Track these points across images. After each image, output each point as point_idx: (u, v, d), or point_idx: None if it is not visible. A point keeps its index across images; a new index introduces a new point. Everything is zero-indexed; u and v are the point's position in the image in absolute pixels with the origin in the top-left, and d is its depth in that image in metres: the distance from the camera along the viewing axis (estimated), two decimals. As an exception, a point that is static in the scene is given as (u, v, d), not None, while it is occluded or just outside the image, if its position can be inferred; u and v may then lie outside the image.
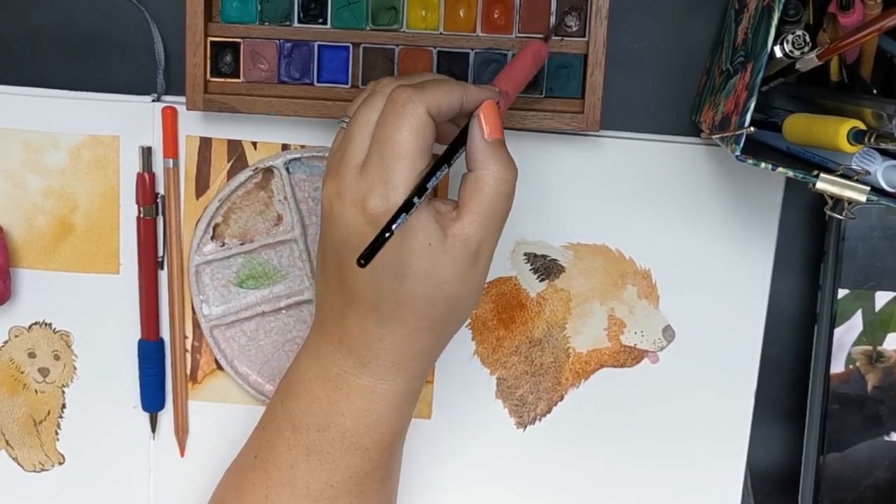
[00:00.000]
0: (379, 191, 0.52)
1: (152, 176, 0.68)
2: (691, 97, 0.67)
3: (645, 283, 0.69)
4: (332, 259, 0.56)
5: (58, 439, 0.72)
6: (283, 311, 0.70)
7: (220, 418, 0.71)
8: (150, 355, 0.70)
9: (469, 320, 0.69)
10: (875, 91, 0.59)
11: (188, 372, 0.71)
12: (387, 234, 0.49)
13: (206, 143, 0.68)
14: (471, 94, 0.54)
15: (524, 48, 0.60)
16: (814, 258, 0.68)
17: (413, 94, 0.52)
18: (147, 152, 0.68)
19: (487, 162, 0.54)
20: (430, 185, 0.51)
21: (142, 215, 0.68)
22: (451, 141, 0.55)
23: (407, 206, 0.50)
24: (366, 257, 0.48)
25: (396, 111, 0.52)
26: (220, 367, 0.70)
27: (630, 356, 0.70)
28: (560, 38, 0.64)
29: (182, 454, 0.71)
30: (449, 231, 0.53)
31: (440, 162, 0.53)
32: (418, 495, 0.72)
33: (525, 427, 0.71)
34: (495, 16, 0.64)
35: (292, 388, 0.59)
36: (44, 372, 0.71)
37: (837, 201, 0.53)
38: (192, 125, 0.68)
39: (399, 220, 0.49)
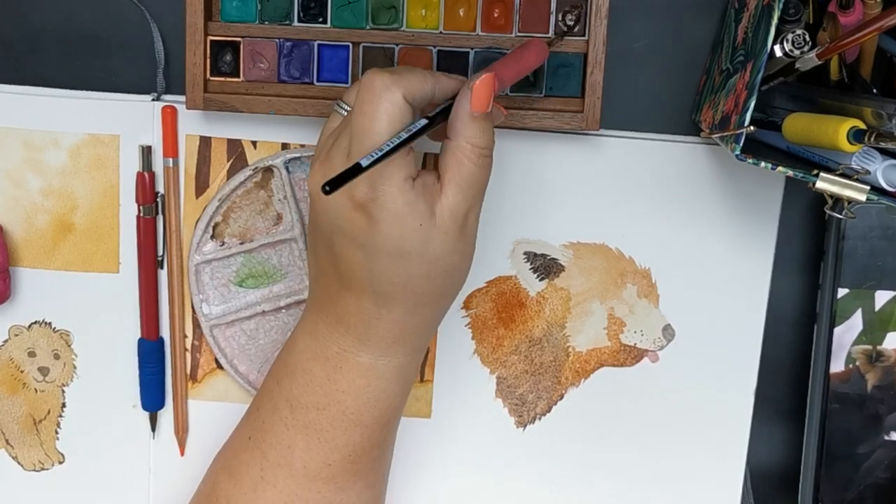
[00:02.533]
0: (363, 179, 0.52)
1: (152, 175, 0.68)
2: (691, 96, 0.67)
3: (645, 282, 0.69)
4: (323, 244, 0.56)
5: (58, 438, 0.72)
6: (283, 311, 0.70)
7: (220, 417, 0.71)
8: (150, 354, 0.70)
9: (469, 319, 0.70)
10: (875, 90, 0.59)
11: (188, 371, 0.71)
12: (357, 169, 0.49)
13: (205, 143, 0.68)
14: (442, 83, 0.55)
15: (529, 43, 0.60)
16: (814, 257, 0.68)
17: (389, 79, 0.52)
18: (147, 151, 0.68)
19: (467, 131, 0.54)
20: (404, 138, 0.51)
21: (142, 214, 0.68)
22: (438, 110, 0.55)
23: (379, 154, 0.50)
24: (331, 184, 0.47)
25: (372, 98, 0.52)
26: (219, 367, 0.70)
27: (630, 355, 0.70)
28: (560, 37, 0.64)
29: (182, 453, 0.71)
30: (436, 207, 0.54)
31: (425, 123, 0.53)
32: (418, 494, 0.72)
33: (525, 426, 0.71)
34: (495, 15, 0.64)
35: (289, 368, 0.59)
36: (44, 371, 0.71)
37: (837, 200, 0.53)
38: (192, 124, 0.68)
39: (374, 157, 0.49)
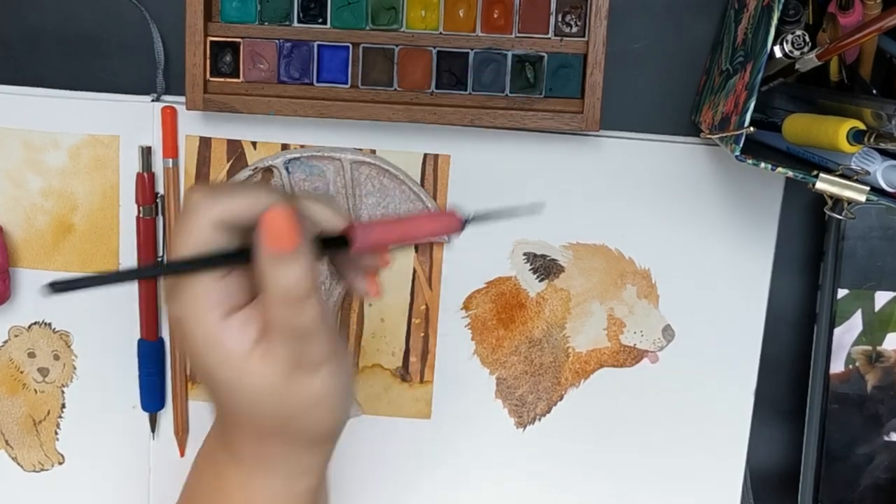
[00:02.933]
0: (175, 296, 0.47)
1: (152, 176, 0.68)
2: (691, 97, 0.67)
3: (644, 282, 0.69)
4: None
5: (57, 439, 0.72)
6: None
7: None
8: (150, 355, 0.70)
9: (469, 320, 0.69)
10: (874, 91, 0.59)
11: (188, 372, 0.70)
12: (91, 281, 0.45)
13: (205, 143, 0.68)
14: (262, 202, 0.47)
15: (441, 214, 0.51)
16: (813, 258, 0.68)
17: (202, 199, 0.46)
18: (147, 152, 0.68)
19: (268, 275, 0.46)
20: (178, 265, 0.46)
21: (141, 215, 0.68)
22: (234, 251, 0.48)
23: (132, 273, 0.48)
24: (55, 286, 0.44)
25: (184, 216, 0.47)
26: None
27: (629, 356, 0.70)
28: (560, 37, 0.64)
29: (182, 454, 0.71)
30: (256, 348, 0.47)
31: (209, 262, 0.47)
32: (418, 495, 0.72)
33: (525, 427, 0.71)
34: (495, 16, 0.64)
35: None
36: (43, 372, 0.71)
37: (837, 201, 0.53)
38: (192, 125, 0.68)
39: (117, 275, 0.47)
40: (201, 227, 0.46)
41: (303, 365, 0.48)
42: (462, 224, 0.49)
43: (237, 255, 0.47)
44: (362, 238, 0.47)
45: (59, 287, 0.44)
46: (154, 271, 0.46)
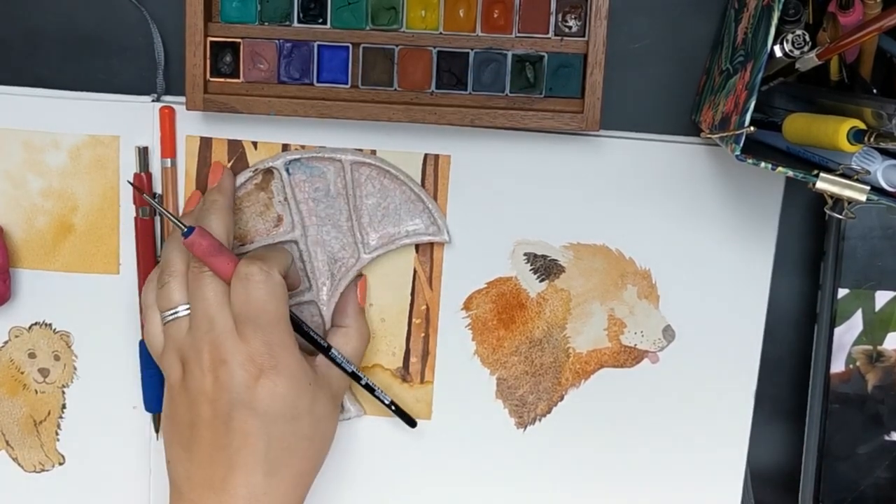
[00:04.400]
0: (265, 351, 0.59)
1: (149, 176, 0.68)
2: (691, 97, 0.67)
3: (645, 283, 0.69)
4: (206, 430, 0.59)
5: (58, 440, 0.72)
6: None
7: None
8: (151, 356, 0.70)
9: (469, 321, 0.69)
10: (875, 90, 0.59)
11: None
12: None
13: (206, 144, 0.68)
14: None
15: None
16: (814, 258, 0.68)
17: (264, 265, 0.60)
18: (143, 152, 0.68)
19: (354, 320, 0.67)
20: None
21: (139, 216, 0.68)
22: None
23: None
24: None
25: (258, 284, 0.59)
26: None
27: (630, 356, 0.70)
28: (560, 37, 0.64)
29: (182, 454, 0.71)
30: (315, 367, 0.63)
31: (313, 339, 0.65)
32: (418, 495, 0.72)
33: (525, 427, 0.71)
34: (495, 15, 0.64)
35: None
36: (44, 372, 0.71)
37: (837, 201, 0.53)
38: (193, 125, 0.68)
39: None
40: (279, 283, 0.61)
41: (338, 395, 0.65)
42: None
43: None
44: None
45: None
46: None
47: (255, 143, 0.68)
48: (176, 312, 0.62)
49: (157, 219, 0.68)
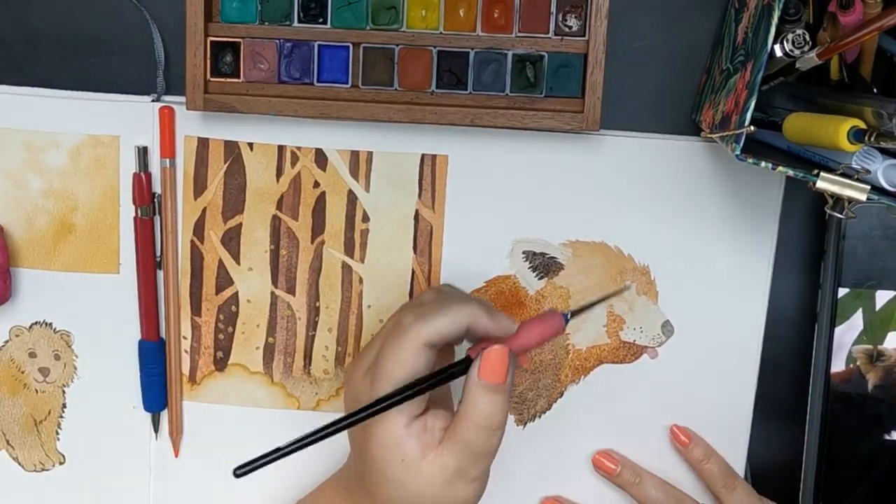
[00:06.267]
0: (365, 402, 0.54)
1: (149, 176, 0.68)
2: (691, 96, 0.67)
3: (644, 279, 0.69)
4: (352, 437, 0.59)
5: (58, 439, 0.72)
6: (284, 311, 0.70)
7: (219, 419, 0.71)
8: (151, 356, 0.70)
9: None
10: (875, 90, 0.59)
11: (187, 373, 0.70)
12: (273, 455, 0.52)
13: (203, 144, 0.68)
14: (481, 322, 0.55)
15: (546, 315, 0.57)
16: (814, 257, 0.68)
17: (415, 323, 0.54)
18: (143, 152, 0.67)
19: (475, 400, 0.54)
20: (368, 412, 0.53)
21: (139, 215, 0.68)
22: (434, 373, 0.55)
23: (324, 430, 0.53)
24: (241, 469, 0.51)
25: (396, 337, 0.54)
26: (218, 369, 0.70)
27: (629, 352, 0.70)
28: (560, 37, 0.64)
29: (176, 454, 0.71)
30: (429, 453, 0.55)
31: (410, 387, 0.54)
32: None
33: (525, 424, 0.71)
34: (495, 15, 0.64)
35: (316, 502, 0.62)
36: (44, 372, 0.71)
37: (838, 200, 0.53)
38: (192, 125, 0.68)
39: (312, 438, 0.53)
40: (414, 348, 0.53)
41: (464, 477, 0.55)
42: (565, 321, 0.56)
43: (438, 378, 0.54)
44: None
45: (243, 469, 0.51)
46: (361, 416, 0.54)
47: (251, 145, 0.68)
48: None
49: (157, 218, 0.68)
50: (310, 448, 0.70)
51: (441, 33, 0.65)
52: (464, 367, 0.54)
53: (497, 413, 0.54)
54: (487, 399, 0.54)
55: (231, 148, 0.68)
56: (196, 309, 0.70)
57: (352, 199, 0.69)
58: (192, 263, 0.69)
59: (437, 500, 0.55)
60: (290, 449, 0.52)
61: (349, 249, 0.69)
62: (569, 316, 0.56)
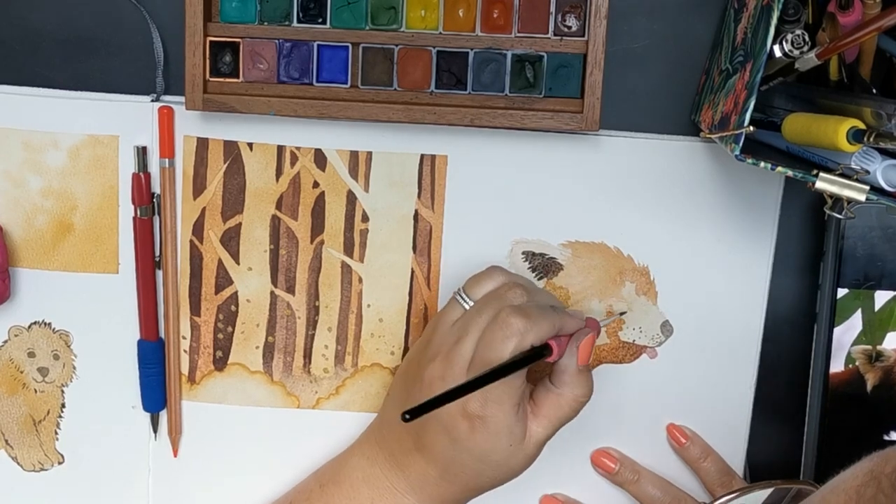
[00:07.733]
0: (478, 395, 0.59)
1: (148, 176, 0.68)
2: (691, 96, 0.67)
3: (643, 279, 0.69)
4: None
5: (57, 439, 0.72)
6: (283, 311, 0.70)
7: (218, 419, 0.71)
8: (150, 356, 0.70)
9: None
10: (874, 90, 0.59)
11: (186, 372, 0.70)
12: (443, 400, 0.56)
13: (202, 144, 0.68)
14: (567, 324, 0.62)
15: (589, 320, 0.64)
16: (813, 257, 0.68)
17: (524, 324, 0.59)
18: (142, 152, 0.67)
19: (574, 384, 0.62)
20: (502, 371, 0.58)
21: (138, 215, 0.68)
22: (526, 355, 0.60)
23: (467, 388, 0.57)
24: (412, 413, 0.54)
25: (504, 339, 0.59)
26: (218, 369, 0.70)
27: (629, 352, 0.70)
28: (559, 37, 0.64)
29: (175, 454, 0.71)
30: (528, 433, 0.61)
31: (517, 365, 0.59)
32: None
33: (525, 426, 0.71)
34: (495, 15, 0.64)
35: (337, 477, 0.65)
36: (43, 371, 0.71)
37: (837, 200, 0.53)
38: (192, 125, 0.68)
39: (465, 388, 0.56)
40: (522, 348, 0.59)
41: (546, 443, 0.63)
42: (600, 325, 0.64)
43: (529, 360, 0.59)
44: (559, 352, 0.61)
45: (413, 413, 0.54)
46: (481, 382, 0.57)
47: (250, 145, 0.68)
48: (460, 297, 0.64)
49: (156, 218, 0.68)
50: (309, 448, 0.70)
51: (440, 33, 0.65)
52: (541, 350, 0.60)
53: (590, 389, 0.62)
54: (584, 378, 0.62)
55: (230, 148, 0.68)
56: (195, 309, 0.70)
57: (351, 199, 0.69)
58: (191, 263, 0.69)
59: (525, 467, 0.63)
60: (458, 393, 0.56)
61: (348, 249, 0.69)
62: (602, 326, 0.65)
